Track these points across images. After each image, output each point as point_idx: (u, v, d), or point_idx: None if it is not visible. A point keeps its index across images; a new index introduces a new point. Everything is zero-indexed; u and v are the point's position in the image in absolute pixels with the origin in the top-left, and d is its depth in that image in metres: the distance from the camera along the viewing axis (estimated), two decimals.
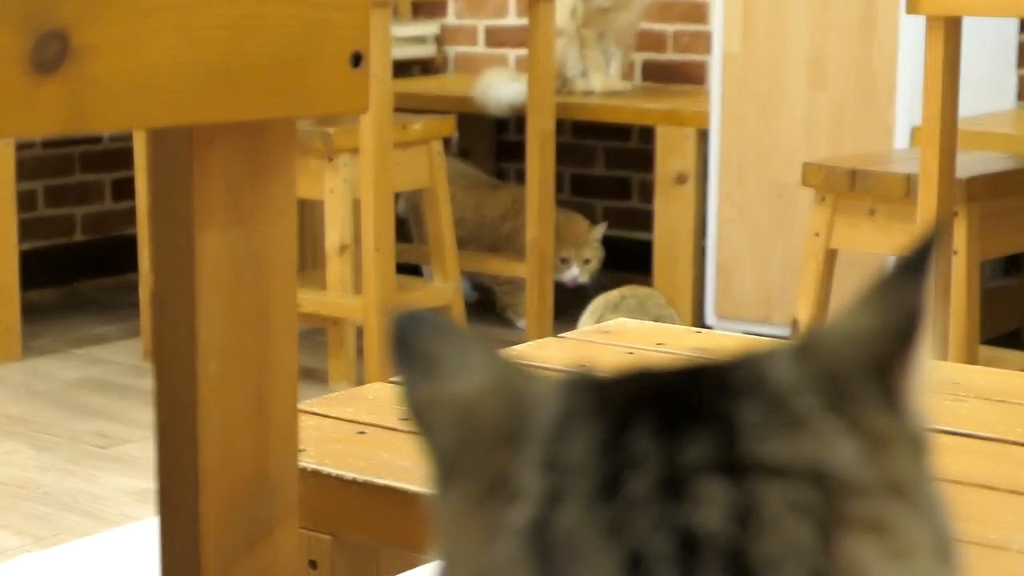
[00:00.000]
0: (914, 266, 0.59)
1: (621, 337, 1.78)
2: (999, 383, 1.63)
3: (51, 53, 0.82)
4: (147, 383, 3.93)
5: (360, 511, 1.35)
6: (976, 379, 1.65)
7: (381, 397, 1.57)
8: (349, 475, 1.35)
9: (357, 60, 0.98)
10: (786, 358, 0.59)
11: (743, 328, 4.21)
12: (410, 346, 0.59)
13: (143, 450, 3.40)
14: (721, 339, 1.79)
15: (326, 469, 1.36)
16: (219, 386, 0.96)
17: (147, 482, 3.19)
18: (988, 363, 3.47)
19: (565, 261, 4.44)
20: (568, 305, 4.51)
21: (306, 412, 1.48)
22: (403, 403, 0.59)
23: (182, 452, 0.97)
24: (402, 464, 1.36)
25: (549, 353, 1.72)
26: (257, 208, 0.97)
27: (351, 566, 1.39)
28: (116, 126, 0.87)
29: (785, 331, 3.82)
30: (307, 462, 1.36)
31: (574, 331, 1.87)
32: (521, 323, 4.44)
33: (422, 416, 0.58)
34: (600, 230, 4.54)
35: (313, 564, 1.37)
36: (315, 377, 3.95)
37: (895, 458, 0.57)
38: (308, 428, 1.44)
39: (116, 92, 0.85)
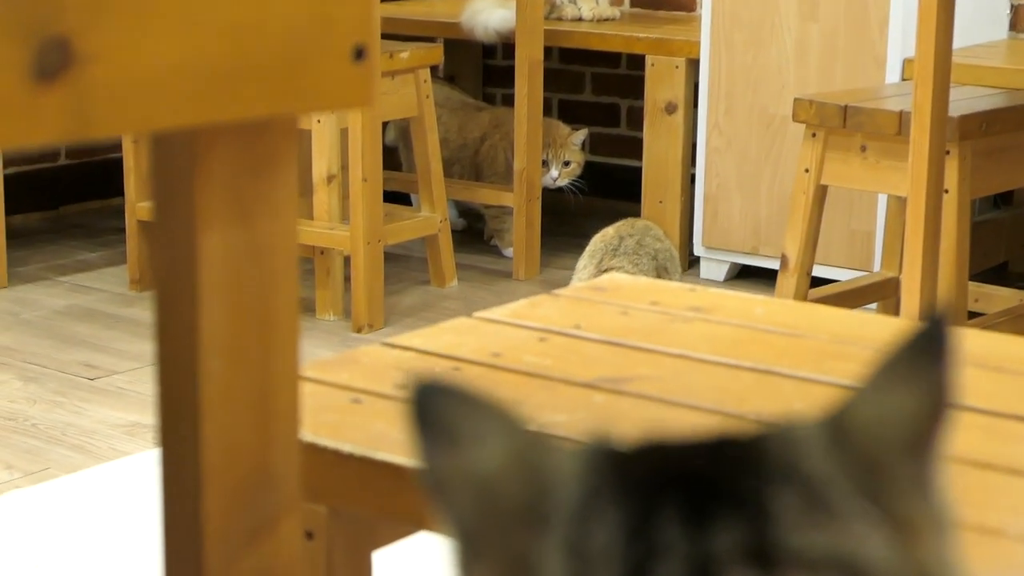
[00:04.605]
0: (936, 340, 0.58)
1: (615, 295, 1.78)
2: (995, 348, 1.60)
3: (53, 61, 0.81)
4: (134, 312, 3.94)
5: (356, 484, 1.35)
6: (971, 343, 1.61)
7: (375, 361, 1.56)
8: (346, 448, 1.34)
9: (360, 54, 0.96)
10: (817, 439, 0.58)
11: (731, 259, 4.21)
12: (429, 416, 0.58)
13: (131, 382, 3.40)
14: (716, 297, 1.78)
15: (322, 442, 1.36)
16: (222, 384, 0.96)
17: (135, 415, 3.19)
18: (977, 299, 3.48)
19: (544, 163, 4.36)
20: (556, 233, 4.51)
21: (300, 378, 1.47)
22: (422, 475, 0.58)
23: (185, 450, 0.96)
24: (398, 436, 1.35)
25: (544, 312, 1.71)
26: (259, 205, 0.96)
27: (347, 537, 1.39)
28: (119, 131, 0.85)
29: (773, 263, 3.81)
30: (303, 434, 1.35)
31: (568, 288, 1.86)
32: (508, 251, 4.42)
33: (441, 489, 0.58)
34: (581, 135, 4.46)
35: (309, 535, 1.37)
36: (302, 307, 3.93)
37: (922, 544, 0.56)
38: (302, 396, 1.43)
39: (119, 97, 0.84)
